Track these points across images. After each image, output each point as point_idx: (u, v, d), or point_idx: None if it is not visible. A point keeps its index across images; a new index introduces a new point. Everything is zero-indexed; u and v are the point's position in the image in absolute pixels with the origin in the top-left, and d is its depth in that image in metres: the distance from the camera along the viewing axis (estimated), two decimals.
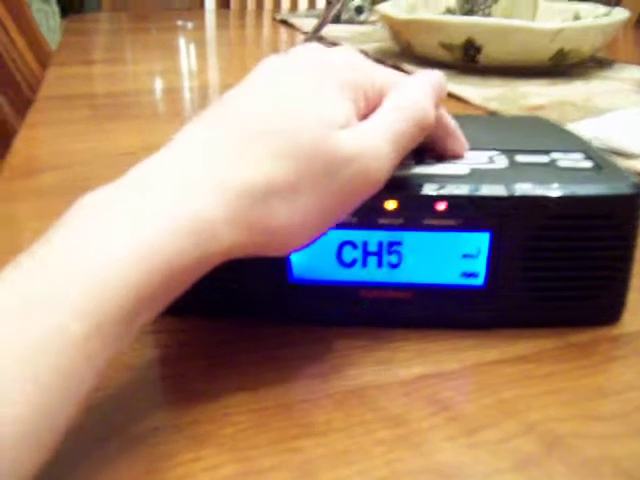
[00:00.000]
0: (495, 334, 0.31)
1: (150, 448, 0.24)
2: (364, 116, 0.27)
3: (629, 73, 0.85)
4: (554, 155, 0.33)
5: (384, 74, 0.29)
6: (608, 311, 0.32)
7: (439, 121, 0.30)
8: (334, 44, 1.06)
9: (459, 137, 0.32)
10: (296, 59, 0.28)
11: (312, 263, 0.31)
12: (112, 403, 0.27)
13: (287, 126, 0.24)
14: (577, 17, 0.94)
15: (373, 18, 1.25)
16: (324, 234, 0.26)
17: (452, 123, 0.32)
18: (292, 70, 0.27)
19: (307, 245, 0.26)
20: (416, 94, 0.28)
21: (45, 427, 0.19)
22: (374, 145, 0.26)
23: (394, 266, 0.31)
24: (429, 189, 0.29)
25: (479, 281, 0.31)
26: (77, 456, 0.24)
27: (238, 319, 0.32)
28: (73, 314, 0.19)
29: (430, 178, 0.30)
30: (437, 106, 0.29)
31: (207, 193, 0.23)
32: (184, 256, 0.22)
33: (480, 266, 0.30)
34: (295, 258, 0.31)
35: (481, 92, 0.74)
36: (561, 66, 0.83)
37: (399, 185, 0.29)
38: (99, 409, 0.26)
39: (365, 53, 0.96)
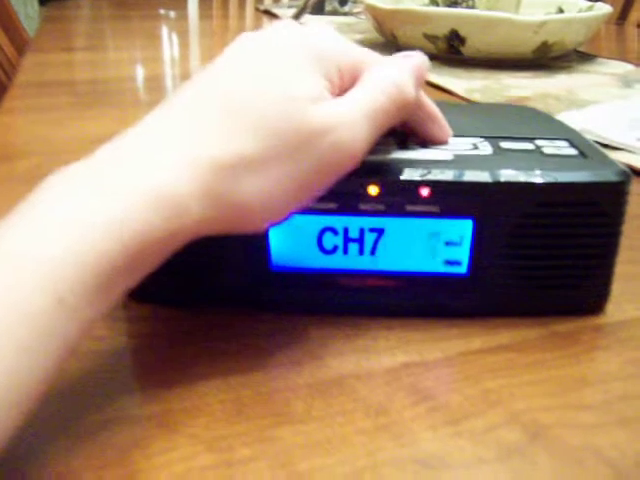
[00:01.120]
0: (478, 323, 0.30)
1: (122, 437, 0.23)
2: (340, 93, 0.27)
3: (611, 68, 0.86)
4: (539, 142, 0.32)
5: (359, 51, 0.28)
6: (592, 300, 0.32)
7: (420, 104, 0.30)
8: None
9: (441, 122, 0.32)
10: (268, 36, 0.27)
11: (292, 250, 0.30)
12: (82, 390, 0.26)
13: (257, 101, 0.24)
14: (560, 11, 0.94)
15: (357, 9, 1.24)
16: (299, 209, 0.26)
17: (434, 107, 0.31)
18: (263, 46, 0.27)
19: (281, 220, 0.25)
20: (395, 72, 0.27)
21: (15, 388, 0.18)
22: (348, 119, 0.25)
23: (376, 253, 0.30)
24: (412, 174, 0.29)
25: (462, 269, 0.30)
26: (45, 443, 0.23)
27: (213, 307, 0.31)
28: (46, 279, 0.19)
29: (413, 163, 0.29)
30: (418, 87, 0.29)
31: (176, 167, 0.23)
32: (154, 228, 0.22)
33: (463, 254, 0.30)
34: (275, 245, 0.30)
35: (464, 83, 0.74)
36: (544, 59, 0.83)
37: (381, 170, 0.29)
38: (69, 396, 0.25)
39: None
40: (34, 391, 0.19)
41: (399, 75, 0.27)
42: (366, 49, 0.29)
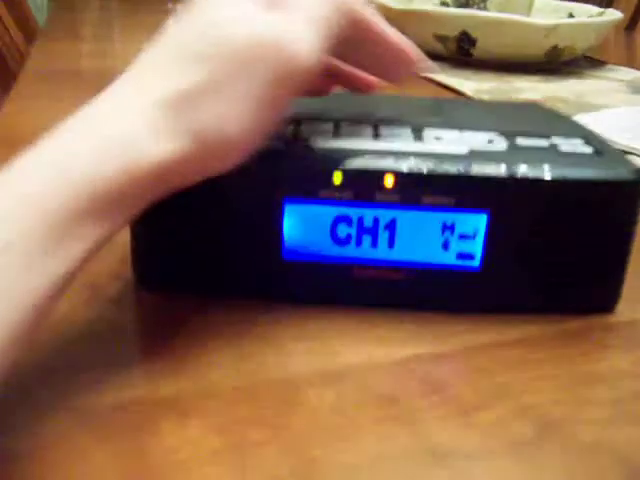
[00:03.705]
0: (490, 318, 0.30)
1: (133, 420, 0.23)
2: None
3: (620, 74, 0.86)
4: (555, 140, 0.32)
5: None
6: (603, 299, 0.31)
7: (369, 25, 0.29)
8: None
9: (398, 38, 0.31)
10: None
11: (305, 240, 0.30)
12: (93, 374, 0.26)
13: (207, 29, 0.25)
14: (571, 16, 0.94)
15: None
16: (265, 131, 0.26)
17: (389, 29, 0.30)
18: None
19: (252, 145, 0.25)
20: None
21: None
22: (293, 26, 0.25)
23: (389, 245, 0.30)
24: (427, 167, 0.29)
25: (475, 263, 0.30)
26: (54, 425, 0.23)
27: (226, 296, 0.31)
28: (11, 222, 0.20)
29: (429, 156, 0.29)
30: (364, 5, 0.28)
31: (130, 109, 0.23)
32: (111, 168, 0.22)
33: (477, 248, 0.30)
34: (288, 234, 0.30)
35: (474, 85, 0.74)
36: (554, 63, 0.83)
37: (397, 161, 0.29)
38: (80, 379, 0.25)
39: None
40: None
41: None
42: None
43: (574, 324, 0.30)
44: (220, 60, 0.24)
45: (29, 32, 1.10)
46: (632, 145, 0.54)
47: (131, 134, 0.23)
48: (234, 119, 0.24)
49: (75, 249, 0.21)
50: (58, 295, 0.21)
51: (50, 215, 0.21)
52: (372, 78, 0.34)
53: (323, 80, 0.33)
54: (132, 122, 0.23)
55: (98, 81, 0.24)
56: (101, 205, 0.22)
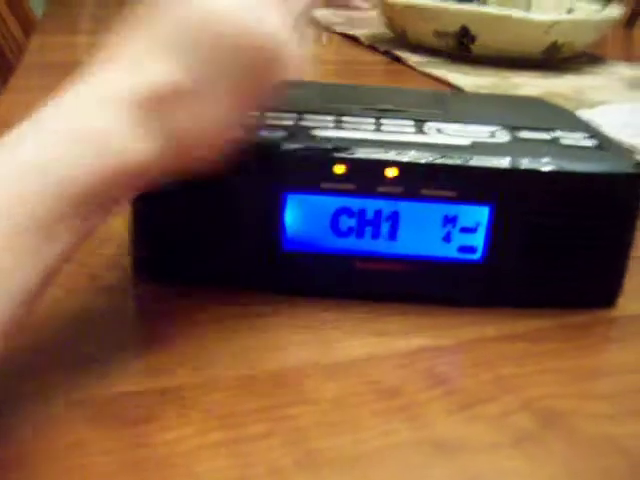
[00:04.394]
0: (493, 311, 0.30)
1: (135, 411, 0.23)
2: None
3: (620, 70, 0.85)
4: (557, 133, 0.32)
5: None
6: (605, 293, 0.31)
7: None
8: (327, 29, 1.04)
9: None
10: None
11: (306, 231, 0.30)
12: (96, 365, 0.25)
13: (180, 22, 0.24)
14: (571, 12, 0.94)
15: (367, 5, 1.24)
16: (243, 122, 0.25)
17: None
18: None
19: (228, 141, 0.25)
20: None
21: None
22: (263, 15, 0.24)
23: (391, 237, 0.30)
24: (429, 158, 0.28)
25: (477, 256, 0.30)
26: (56, 415, 0.23)
27: (226, 287, 0.30)
28: None
29: (431, 148, 0.29)
30: None
31: (105, 107, 0.22)
32: (84, 168, 0.21)
33: (479, 240, 0.30)
34: (289, 225, 0.29)
35: (473, 80, 0.74)
36: (554, 59, 0.83)
37: (399, 153, 0.28)
38: (82, 370, 0.25)
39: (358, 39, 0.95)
40: None
41: None
42: None
43: (576, 318, 0.30)
44: (196, 57, 0.23)
45: (27, 25, 1.09)
46: (632, 142, 0.54)
47: (107, 136, 0.22)
48: (211, 117, 0.24)
49: (57, 247, 0.21)
50: (41, 291, 0.21)
51: (34, 215, 0.20)
52: None
53: None
54: (108, 121, 0.22)
55: None
56: (80, 205, 0.22)
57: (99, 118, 0.22)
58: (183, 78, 0.23)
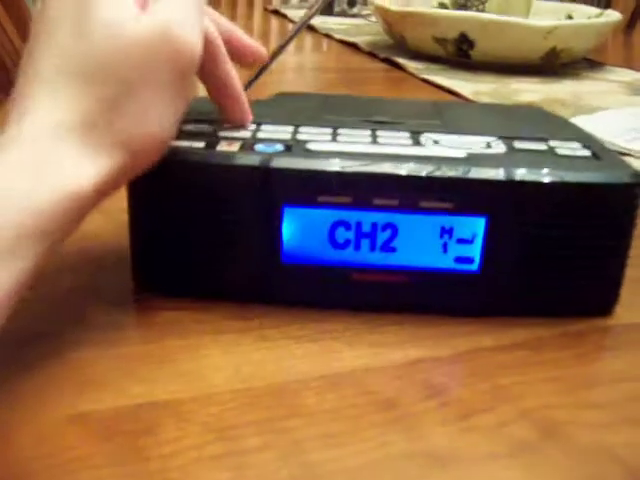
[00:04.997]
0: (489, 321, 0.30)
1: (132, 424, 0.23)
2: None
3: (619, 75, 0.86)
4: (553, 143, 0.32)
5: None
6: (601, 302, 0.31)
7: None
8: (326, 36, 1.05)
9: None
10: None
11: (304, 243, 0.30)
12: (93, 377, 0.26)
13: (92, 35, 0.24)
14: (569, 17, 0.95)
15: (366, 11, 1.24)
16: (179, 117, 0.26)
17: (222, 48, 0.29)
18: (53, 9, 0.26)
19: (172, 137, 0.26)
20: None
21: None
22: (175, 16, 0.25)
23: (388, 249, 0.30)
24: (426, 171, 0.29)
25: (474, 267, 0.30)
26: (54, 427, 0.23)
27: (225, 299, 0.31)
28: None
29: (427, 160, 0.29)
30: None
31: (49, 137, 0.23)
32: (47, 197, 0.22)
33: (475, 251, 0.30)
34: (287, 238, 0.30)
35: (472, 87, 0.74)
36: (553, 65, 0.83)
37: (396, 166, 0.29)
38: (80, 383, 0.25)
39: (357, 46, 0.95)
40: None
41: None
42: None
43: (573, 327, 0.30)
44: (119, 71, 0.24)
45: (25, 32, 1.10)
46: (630, 147, 0.54)
47: (58, 163, 0.23)
48: (153, 118, 0.25)
49: (21, 266, 0.22)
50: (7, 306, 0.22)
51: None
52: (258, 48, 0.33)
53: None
54: (58, 149, 0.23)
55: None
56: (44, 228, 0.22)
57: (48, 147, 0.23)
58: (116, 93, 0.24)
